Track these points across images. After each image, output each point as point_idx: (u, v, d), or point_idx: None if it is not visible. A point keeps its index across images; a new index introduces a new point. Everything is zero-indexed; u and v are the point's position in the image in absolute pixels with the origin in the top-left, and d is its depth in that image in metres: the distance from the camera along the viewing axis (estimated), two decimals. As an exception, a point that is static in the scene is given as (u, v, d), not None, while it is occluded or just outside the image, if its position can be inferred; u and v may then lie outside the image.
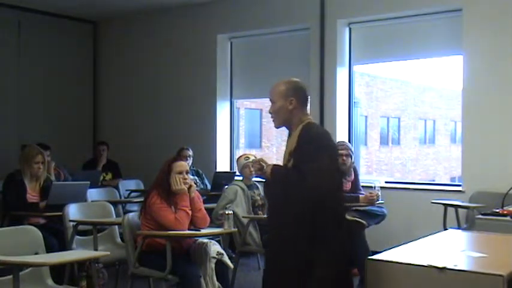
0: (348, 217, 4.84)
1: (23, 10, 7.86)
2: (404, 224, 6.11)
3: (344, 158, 5.22)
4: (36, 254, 3.41)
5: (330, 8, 6.75)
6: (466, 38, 5.96)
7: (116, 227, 4.82)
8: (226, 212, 4.08)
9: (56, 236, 4.74)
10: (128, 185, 7.15)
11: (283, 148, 3.31)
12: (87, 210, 4.83)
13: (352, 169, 5.42)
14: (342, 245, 3.14)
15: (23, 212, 5.03)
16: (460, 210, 5.43)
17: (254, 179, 5.37)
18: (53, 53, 8.30)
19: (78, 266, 4.43)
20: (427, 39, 6.42)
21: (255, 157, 4.70)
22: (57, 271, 4.12)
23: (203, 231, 4.05)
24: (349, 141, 6.60)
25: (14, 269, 3.01)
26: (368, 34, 6.81)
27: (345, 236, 3.17)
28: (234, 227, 4.18)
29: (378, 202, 5.22)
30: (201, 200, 4.22)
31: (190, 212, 4.03)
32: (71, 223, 4.59)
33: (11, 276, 3.05)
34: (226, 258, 4.01)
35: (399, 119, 21.82)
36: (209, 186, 6.78)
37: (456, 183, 6.97)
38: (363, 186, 5.47)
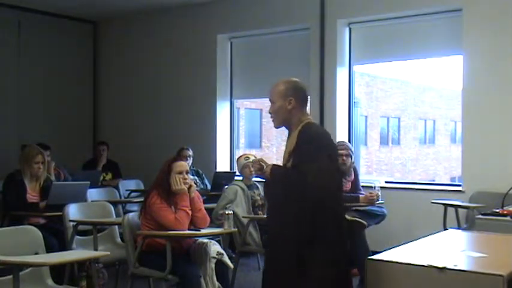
0: (348, 217, 4.85)
1: (23, 10, 7.86)
2: (404, 224, 6.11)
3: (344, 158, 5.22)
4: (36, 254, 3.41)
5: (330, 8, 6.75)
6: (466, 38, 5.96)
7: (116, 227, 4.82)
8: (226, 212, 4.08)
9: (56, 236, 4.74)
10: (128, 185, 7.15)
11: (283, 148, 3.31)
12: (87, 210, 4.83)
13: (352, 169, 5.41)
14: (341, 245, 3.14)
15: (23, 212, 5.03)
16: (460, 210, 5.43)
17: (254, 179, 5.37)
18: (53, 53, 8.30)
19: (78, 266, 4.43)
20: (427, 39, 6.42)
21: (255, 157, 4.70)
22: (57, 271, 4.12)
23: (203, 231, 4.05)
24: (349, 141, 6.60)
25: (14, 269, 3.01)
26: (368, 34, 6.81)
27: (344, 236, 3.18)
28: (234, 227, 4.18)
29: (378, 202, 5.22)
30: (201, 200, 4.22)
31: (190, 212, 4.03)
32: (71, 223, 4.59)
33: (11, 276, 3.05)
34: (226, 258, 4.01)
35: (399, 119, 21.82)
36: (209, 186, 6.78)
37: (456, 183, 6.97)
38: (363, 186, 5.47)
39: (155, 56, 8.27)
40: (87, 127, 8.78)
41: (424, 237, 3.26)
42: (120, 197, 6.57)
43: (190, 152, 6.84)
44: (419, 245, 3.07)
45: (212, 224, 4.58)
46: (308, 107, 3.35)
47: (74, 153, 8.00)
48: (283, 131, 3.34)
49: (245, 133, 17.25)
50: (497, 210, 4.20)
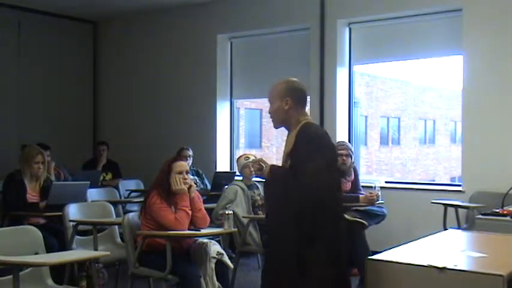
0: (349, 217, 4.85)
1: (23, 10, 7.86)
2: (404, 224, 6.11)
3: (344, 158, 5.22)
4: (36, 254, 3.41)
5: (330, 8, 6.75)
6: (466, 38, 5.96)
7: (116, 227, 4.82)
8: (226, 212, 4.08)
9: (56, 236, 4.74)
10: (128, 185, 7.15)
11: (283, 148, 3.31)
12: (87, 210, 4.83)
13: (352, 169, 5.41)
14: (340, 244, 3.14)
15: (23, 212, 5.03)
16: (460, 210, 5.43)
17: (254, 179, 5.37)
18: (53, 53, 8.30)
19: (78, 266, 4.43)
20: (427, 39, 6.42)
21: (255, 157, 4.70)
22: (57, 271, 4.11)
23: (203, 231, 4.05)
24: (349, 141, 6.59)
25: (14, 269, 3.01)
26: (368, 34, 6.81)
27: (343, 235, 3.18)
28: (234, 227, 4.18)
29: (378, 202, 5.22)
30: (201, 200, 4.22)
31: (190, 212, 4.03)
32: (71, 223, 4.59)
33: (11, 276, 3.05)
34: (226, 258, 4.01)
35: (399, 119, 21.82)
36: (209, 186, 6.78)
37: (456, 183, 6.97)
38: (363, 186, 5.47)
39: (155, 56, 8.27)
40: (87, 127, 8.78)
41: (424, 237, 3.26)
42: (120, 197, 6.57)
43: (190, 152, 6.84)
44: (419, 245, 3.07)
45: (212, 224, 4.58)
46: (308, 107, 3.35)
47: (74, 153, 8.00)
48: (283, 131, 3.34)
49: (245, 133, 17.25)
50: (497, 210, 4.20)
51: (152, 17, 8.20)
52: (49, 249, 3.76)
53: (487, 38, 5.85)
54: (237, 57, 7.81)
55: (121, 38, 8.62)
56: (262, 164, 3.22)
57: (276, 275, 3.17)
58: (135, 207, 6.13)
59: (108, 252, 3.73)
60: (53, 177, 5.75)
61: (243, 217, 5.01)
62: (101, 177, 7.15)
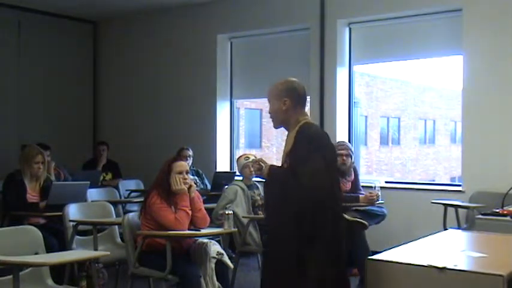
0: (349, 217, 4.85)
1: (23, 10, 7.86)
2: (404, 224, 6.11)
3: (344, 158, 5.22)
4: (36, 254, 3.41)
5: (330, 8, 6.75)
6: (466, 38, 5.96)
7: (116, 227, 4.82)
8: (226, 212, 4.08)
9: (56, 236, 4.74)
10: (128, 185, 7.15)
11: (283, 148, 3.31)
12: (87, 210, 4.83)
13: (352, 169, 5.41)
14: (340, 244, 3.14)
15: (23, 212, 5.03)
16: (460, 210, 5.43)
17: (254, 179, 5.37)
18: (53, 53, 8.30)
19: (78, 266, 4.43)
20: (427, 39, 6.42)
21: (255, 157, 4.70)
22: (57, 271, 4.11)
23: (203, 231, 4.05)
24: (349, 141, 6.59)
25: (14, 269, 3.01)
26: (368, 34, 6.81)
27: (343, 235, 3.18)
28: (234, 227, 4.18)
29: (378, 202, 5.22)
30: (201, 200, 4.22)
31: (190, 212, 4.03)
32: (71, 223, 4.59)
33: (11, 276, 3.05)
34: (226, 258, 4.01)
35: (399, 119, 21.82)
36: (209, 186, 6.78)
37: (456, 183, 6.97)
38: (363, 186, 5.47)
39: (155, 56, 8.27)
40: (87, 127, 8.78)
41: (424, 237, 3.26)
42: (120, 197, 6.57)
43: (190, 152, 6.84)
44: (419, 245, 3.07)
45: (212, 224, 4.58)
46: (308, 107, 3.35)
47: (74, 153, 8.00)
48: (283, 131, 3.35)
49: (245, 133, 17.25)
50: (497, 210, 4.21)
51: (152, 17, 8.20)
52: (49, 249, 3.76)
53: (487, 38, 5.85)
54: (237, 57, 7.80)
55: (121, 38, 8.62)
56: (262, 164, 3.22)
57: (275, 275, 3.17)
58: (135, 207, 6.13)
59: (108, 252, 3.73)
60: (53, 177, 5.75)
61: (243, 217, 5.01)
62: (101, 177, 7.15)
